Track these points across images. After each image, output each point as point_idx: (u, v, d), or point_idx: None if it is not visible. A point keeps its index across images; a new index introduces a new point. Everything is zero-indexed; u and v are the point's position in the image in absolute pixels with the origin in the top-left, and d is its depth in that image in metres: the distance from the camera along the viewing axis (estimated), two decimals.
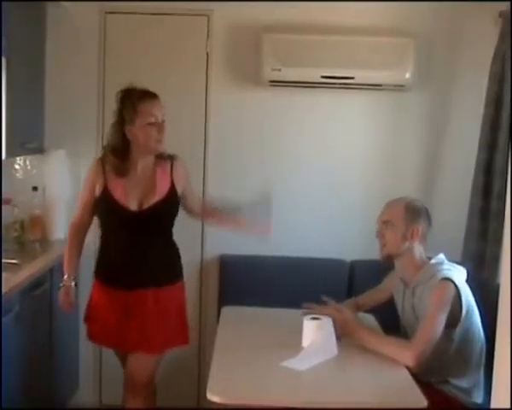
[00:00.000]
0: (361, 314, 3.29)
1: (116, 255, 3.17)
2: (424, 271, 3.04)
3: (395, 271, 3.24)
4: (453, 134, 4.21)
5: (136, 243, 3.12)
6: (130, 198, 3.10)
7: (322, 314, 2.97)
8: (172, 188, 3.18)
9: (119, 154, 3.11)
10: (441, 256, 3.11)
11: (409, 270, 3.10)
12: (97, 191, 3.14)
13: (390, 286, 3.31)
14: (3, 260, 3.37)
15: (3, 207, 3.82)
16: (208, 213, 3.50)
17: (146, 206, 3.11)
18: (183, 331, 3.28)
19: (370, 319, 3.38)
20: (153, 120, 3.08)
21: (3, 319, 2.92)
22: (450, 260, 3.12)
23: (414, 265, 3.08)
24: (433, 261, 3.07)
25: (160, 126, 3.10)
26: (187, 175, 3.30)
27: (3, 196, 3.75)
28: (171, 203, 3.19)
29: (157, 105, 3.11)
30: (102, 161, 3.17)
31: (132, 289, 3.13)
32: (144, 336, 3.12)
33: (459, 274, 3.02)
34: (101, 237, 3.25)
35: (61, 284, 3.21)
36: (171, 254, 3.29)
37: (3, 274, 3.17)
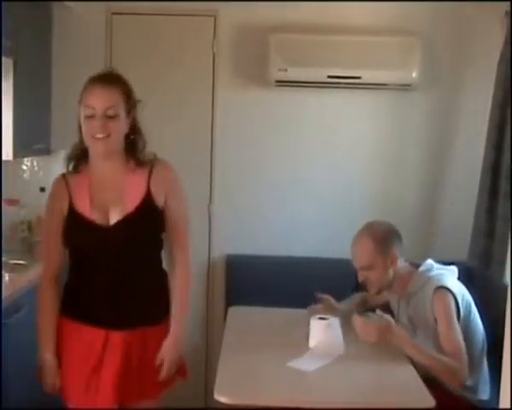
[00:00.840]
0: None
1: (88, 289, 2.48)
2: (414, 281, 3.03)
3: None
4: (459, 133, 4.20)
5: (111, 271, 2.44)
6: (96, 210, 2.42)
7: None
8: (148, 197, 2.44)
9: (76, 155, 2.50)
10: (429, 262, 3.09)
11: (398, 285, 3.08)
12: (64, 212, 2.47)
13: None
14: (11, 261, 3.37)
15: (11, 208, 3.83)
16: None
17: (114, 220, 2.42)
18: (179, 367, 2.58)
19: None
20: (88, 112, 2.35)
21: (11, 320, 2.93)
22: (453, 259, 3.11)
23: (401, 279, 3.06)
24: (422, 269, 3.06)
25: (100, 121, 2.35)
26: (172, 183, 2.55)
27: (11, 197, 3.75)
28: (146, 217, 2.44)
29: (98, 94, 2.36)
30: (65, 176, 2.52)
31: (113, 328, 2.43)
32: (133, 386, 2.45)
33: (451, 276, 3.02)
34: (71, 265, 2.53)
35: (40, 363, 2.48)
36: (157, 288, 2.55)
37: (11, 275, 3.18)
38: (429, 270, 3.04)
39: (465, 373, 2.77)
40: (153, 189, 2.46)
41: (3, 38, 3.22)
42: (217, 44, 4.21)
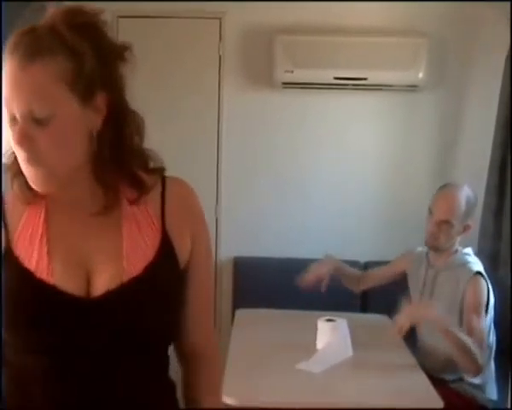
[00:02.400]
0: (374, 316, 3.27)
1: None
2: (454, 258, 3.07)
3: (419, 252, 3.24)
4: (466, 134, 4.19)
5: (86, 379, 1.30)
6: (64, 270, 1.30)
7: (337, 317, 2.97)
8: (165, 248, 1.36)
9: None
10: (469, 249, 3.14)
11: (440, 253, 3.12)
12: None
13: (402, 265, 3.31)
14: None
15: None
16: None
17: (98, 290, 1.30)
18: None
19: (385, 319, 3.37)
20: (10, 117, 1.24)
21: None
22: None
23: (447, 250, 3.10)
24: (464, 250, 3.10)
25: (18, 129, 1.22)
26: (199, 218, 1.49)
27: None
28: (162, 284, 1.34)
29: (19, 93, 1.20)
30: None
31: None
32: None
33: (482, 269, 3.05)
34: (8, 366, 1.34)
35: None
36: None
37: None
38: (468, 255, 3.09)
39: (483, 363, 2.80)
40: (171, 231, 1.37)
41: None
42: (223, 47, 4.21)
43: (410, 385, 2.62)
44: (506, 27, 3.84)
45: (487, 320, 2.99)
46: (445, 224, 3.02)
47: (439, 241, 3.07)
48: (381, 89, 4.12)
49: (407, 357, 2.83)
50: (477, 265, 3.02)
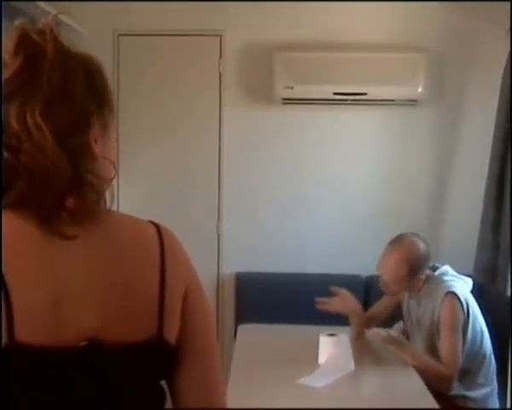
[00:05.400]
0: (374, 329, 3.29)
1: None
2: (429, 283, 3.08)
3: None
4: (465, 147, 4.21)
5: None
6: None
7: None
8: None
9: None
10: (446, 268, 3.15)
11: (416, 287, 3.13)
12: None
13: (395, 297, 3.33)
14: None
15: None
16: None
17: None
18: None
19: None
20: None
21: None
22: (458, 272, 3.15)
23: (419, 282, 3.10)
24: (437, 273, 3.11)
25: None
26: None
27: None
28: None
29: None
30: None
31: None
32: None
33: (463, 286, 3.07)
34: None
35: None
36: None
37: None
38: (444, 274, 3.10)
39: (452, 380, 2.85)
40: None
41: None
42: (223, 64, 4.24)
43: (410, 398, 2.61)
44: (503, 41, 3.86)
45: (476, 337, 3.02)
46: (392, 283, 3.10)
47: (392, 291, 3.16)
48: (380, 104, 4.14)
49: (408, 370, 2.84)
50: (452, 283, 3.03)
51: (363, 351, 3.05)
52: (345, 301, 3.26)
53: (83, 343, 1.13)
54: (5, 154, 1.14)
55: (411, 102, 4.11)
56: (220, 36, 4.22)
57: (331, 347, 2.89)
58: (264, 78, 4.16)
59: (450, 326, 2.91)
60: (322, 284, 4.17)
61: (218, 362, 1.32)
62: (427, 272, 3.13)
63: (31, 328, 1.11)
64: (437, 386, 2.81)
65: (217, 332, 4.35)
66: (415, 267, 3.05)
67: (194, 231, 4.29)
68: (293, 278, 4.26)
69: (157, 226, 1.28)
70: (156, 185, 4.34)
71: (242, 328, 3.59)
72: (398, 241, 3.12)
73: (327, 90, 4.07)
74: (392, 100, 4.11)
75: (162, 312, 1.20)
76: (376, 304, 3.52)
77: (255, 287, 4.26)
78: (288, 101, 4.13)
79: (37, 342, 1.10)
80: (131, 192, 4.26)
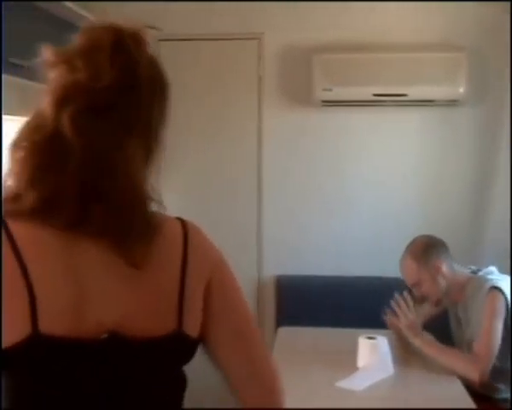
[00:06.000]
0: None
1: None
2: (471, 285, 3.05)
3: None
4: (507, 149, 4.14)
5: None
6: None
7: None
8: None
9: None
10: (490, 268, 3.12)
11: (456, 291, 3.11)
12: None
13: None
14: None
15: None
16: None
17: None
18: None
19: (428, 336, 3.34)
20: None
21: None
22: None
23: (457, 284, 3.09)
24: (481, 273, 3.08)
25: None
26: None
27: None
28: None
29: None
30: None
31: None
32: None
33: (508, 285, 3.00)
34: None
35: None
36: None
37: None
38: (488, 274, 3.06)
39: (482, 372, 2.78)
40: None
41: None
42: (262, 67, 4.25)
43: (450, 402, 2.59)
44: None
45: None
46: (415, 286, 3.11)
47: (430, 299, 3.14)
48: (420, 104, 4.10)
49: (448, 374, 2.81)
50: (497, 281, 2.98)
51: (403, 354, 3.02)
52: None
53: (103, 336, 1.16)
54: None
55: (452, 103, 4.06)
56: (259, 39, 4.23)
57: (370, 350, 2.88)
58: (303, 80, 4.15)
59: (489, 319, 2.86)
60: (365, 287, 4.18)
61: (259, 342, 1.35)
62: (467, 274, 3.08)
63: (53, 320, 1.14)
64: (466, 379, 2.78)
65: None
66: (420, 256, 3.05)
67: (235, 234, 4.32)
68: (334, 280, 4.24)
69: (183, 222, 1.31)
70: (197, 188, 4.36)
71: (282, 330, 3.60)
72: (407, 247, 3.15)
73: (366, 92, 4.04)
74: (433, 100, 4.07)
75: (182, 307, 1.22)
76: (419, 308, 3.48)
77: (296, 289, 4.25)
78: (328, 103, 4.11)
79: (59, 333, 1.14)
80: (172, 195, 4.29)
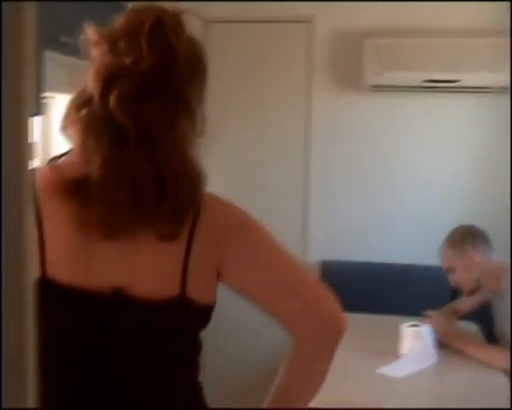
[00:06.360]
0: (462, 323, 3.24)
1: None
2: (507, 276, 3.01)
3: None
4: None
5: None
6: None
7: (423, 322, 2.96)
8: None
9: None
10: None
11: (491, 281, 3.08)
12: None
13: (484, 291, 3.26)
14: None
15: None
16: None
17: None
18: None
19: (472, 327, 3.31)
20: None
21: None
22: None
23: (494, 275, 3.06)
24: None
25: None
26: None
27: None
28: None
29: None
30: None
31: None
32: None
33: None
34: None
35: None
36: None
37: None
38: None
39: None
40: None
41: None
42: (312, 50, 4.22)
43: (493, 394, 2.56)
44: None
45: None
46: (450, 272, 3.12)
47: (464, 287, 3.15)
48: (473, 91, 4.02)
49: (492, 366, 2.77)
50: None
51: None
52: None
53: (107, 292, 1.24)
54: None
55: (507, 90, 3.96)
56: (309, 22, 4.20)
57: (414, 338, 2.86)
58: (353, 64, 4.11)
59: None
60: (410, 275, 4.14)
61: (303, 278, 1.42)
62: (504, 263, 3.05)
63: (60, 267, 1.24)
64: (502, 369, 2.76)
65: None
66: (455, 243, 3.09)
67: (281, 218, 4.31)
68: (379, 267, 4.21)
69: (206, 196, 1.33)
70: (244, 171, 4.37)
71: None
72: (448, 234, 3.19)
73: (417, 77, 3.98)
74: (487, 87, 3.98)
75: (186, 272, 1.27)
76: (462, 299, 3.45)
77: (341, 275, 4.23)
78: (378, 88, 4.07)
79: (65, 281, 1.23)
80: (218, 176, 4.32)
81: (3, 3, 0.57)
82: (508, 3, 3.67)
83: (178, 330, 1.31)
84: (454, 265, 3.09)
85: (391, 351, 2.87)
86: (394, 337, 2.91)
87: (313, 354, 1.43)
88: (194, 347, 1.37)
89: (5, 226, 0.59)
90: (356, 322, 3.42)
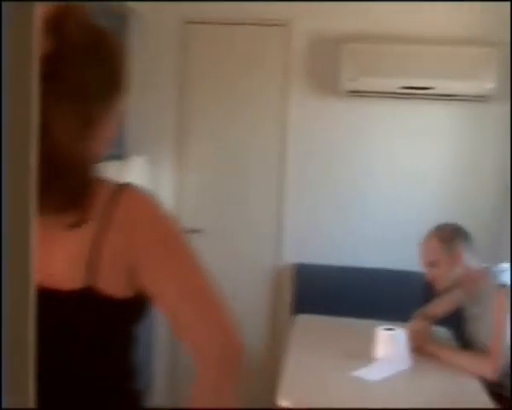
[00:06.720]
0: (435, 327, 3.27)
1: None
2: (484, 280, 3.05)
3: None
4: None
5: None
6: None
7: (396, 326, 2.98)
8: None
9: None
10: (504, 265, 3.11)
11: (469, 283, 3.11)
12: None
13: (459, 294, 3.29)
14: None
15: None
16: None
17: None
18: None
19: (444, 331, 3.34)
20: None
21: None
22: None
23: (471, 276, 3.08)
24: (494, 269, 3.07)
25: None
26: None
27: None
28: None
29: None
30: None
31: None
32: None
33: None
34: None
35: None
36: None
37: None
38: (500, 271, 3.05)
39: (494, 367, 2.79)
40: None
41: None
42: (289, 54, 4.23)
43: (466, 397, 2.59)
44: None
45: None
46: (430, 266, 3.09)
47: (438, 283, 3.12)
48: (448, 99, 4.06)
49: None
50: (508, 277, 2.96)
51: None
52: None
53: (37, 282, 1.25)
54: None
55: (481, 99, 4.02)
56: (287, 26, 4.21)
57: (388, 341, 2.87)
58: (329, 69, 4.13)
59: (499, 317, 2.86)
60: (382, 279, 4.18)
61: (203, 286, 1.33)
62: (482, 268, 3.08)
63: None
64: (482, 378, 2.78)
65: (273, 321, 4.38)
66: (445, 239, 3.06)
67: (255, 221, 4.32)
68: (352, 271, 4.24)
69: (121, 186, 1.33)
70: (219, 173, 4.36)
71: (300, 318, 3.60)
72: (429, 230, 3.18)
73: (393, 84, 4.01)
74: (461, 95, 4.03)
75: (94, 264, 1.27)
76: (436, 301, 3.48)
77: (313, 278, 4.25)
78: (354, 93, 4.09)
79: None
80: (193, 177, 4.32)
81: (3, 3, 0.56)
82: (486, 15, 3.70)
83: (87, 322, 1.30)
84: (439, 260, 3.06)
85: (365, 354, 2.89)
86: (368, 341, 2.93)
87: (214, 376, 1.33)
88: (119, 339, 1.36)
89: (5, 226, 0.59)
90: (330, 325, 3.48)
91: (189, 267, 1.33)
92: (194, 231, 4.24)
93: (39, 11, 1.23)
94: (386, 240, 4.25)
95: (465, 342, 3.19)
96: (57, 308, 1.28)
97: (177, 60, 4.30)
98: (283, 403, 2.42)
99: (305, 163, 4.30)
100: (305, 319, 3.56)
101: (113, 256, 1.28)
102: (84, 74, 1.29)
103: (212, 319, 1.32)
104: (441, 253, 3.06)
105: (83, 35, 1.28)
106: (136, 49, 4.21)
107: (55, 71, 1.23)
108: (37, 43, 1.16)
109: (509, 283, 2.93)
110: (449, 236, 3.09)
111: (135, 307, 1.34)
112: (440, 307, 3.41)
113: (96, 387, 1.35)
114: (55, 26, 1.24)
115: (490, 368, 2.78)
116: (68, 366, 1.32)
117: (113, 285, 1.28)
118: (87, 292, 1.26)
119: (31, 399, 0.66)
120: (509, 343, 2.84)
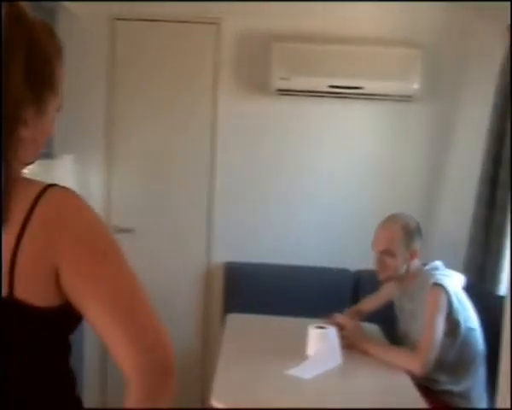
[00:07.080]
0: (365, 324, 3.32)
1: None
2: (420, 278, 3.11)
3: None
4: (459, 145, 4.21)
5: None
6: None
7: (328, 324, 3.01)
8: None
9: None
10: (436, 263, 3.18)
11: (407, 280, 3.17)
12: None
13: (390, 291, 3.35)
14: None
15: None
16: None
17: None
18: None
19: (375, 328, 3.40)
20: None
21: None
22: (449, 268, 3.18)
23: (411, 275, 3.15)
24: (427, 268, 3.14)
25: None
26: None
27: None
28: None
29: None
30: None
31: None
32: None
33: (453, 280, 3.08)
34: None
35: None
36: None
37: None
38: (434, 269, 3.12)
39: (423, 366, 2.84)
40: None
41: None
42: (219, 52, 4.22)
43: (396, 391, 2.65)
44: (500, 38, 3.86)
45: (470, 333, 3.07)
46: (385, 254, 3.09)
47: (386, 273, 3.14)
48: (375, 98, 4.13)
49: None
50: (442, 277, 3.05)
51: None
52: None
53: None
54: None
55: (407, 98, 4.10)
56: (217, 24, 4.20)
57: (320, 339, 2.90)
58: (260, 68, 4.14)
59: (431, 315, 2.93)
60: (312, 277, 4.22)
61: (134, 298, 1.27)
62: (420, 266, 3.14)
63: None
64: (410, 373, 2.84)
65: (204, 320, 4.36)
66: (410, 234, 3.09)
67: (185, 220, 4.30)
68: (282, 269, 4.26)
69: (46, 187, 1.25)
70: (149, 171, 4.32)
71: (231, 317, 3.60)
72: (392, 216, 3.19)
73: (322, 83, 4.05)
74: (388, 95, 4.10)
75: (14, 272, 1.19)
76: (368, 298, 3.54)
77: (245, 277, 4.26)
78: (284, 92, 4.11)
79: None
80: (122, 176, 4.26)
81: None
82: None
83: (13, 333, 1.22)
84: (396, 251, 3.08)
85: (297, 352, 2.91)
86: (300, 339, 2.95)
87: (144, 391, 1.26)
88: (48, 349, 1.29)
89: None
90: (262, 323, 3.49)
91: (116, 269, 1.26)
92: (123, 230, 4.19)
93: None
94: (317, 238, 4.30)
95: (398, 338, 3.25)
96: None
97: (106, 57, 4.23)
98: (216, 404, 2.41)
99: (236, 161, 4.30)
100: (236, 318, 3.56)
101: (34, 261, 1.20)
102: (16, 72, 1.24)
103: (140, 332, 1.25)
104: (400, 245, 3.08)
105: (7, 28, 1.24)
106: (64, 45, 4.11)
107: None
108: None
109: (443, 282, 3.00)
110: (412, 231, 3.12)
111: (62, 316, 1.26)
112: (370, 304, 3.48)
113: (32, 399, 1.28)
114: None
115: (419, 364, 2.84)
116: (3, 377, 1.24)
117: (33, 293, 1.20)
118: (9, 302, 1.19)
119: None
120: (439, 342, 2.91)
